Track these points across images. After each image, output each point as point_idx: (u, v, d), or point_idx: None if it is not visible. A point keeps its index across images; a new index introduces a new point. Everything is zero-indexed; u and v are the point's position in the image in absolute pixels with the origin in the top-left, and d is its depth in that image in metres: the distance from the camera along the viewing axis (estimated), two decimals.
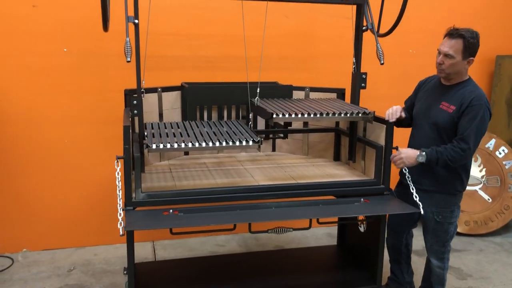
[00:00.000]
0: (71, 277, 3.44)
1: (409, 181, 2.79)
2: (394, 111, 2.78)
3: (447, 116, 2.68)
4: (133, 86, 2.88)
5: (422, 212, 2.71)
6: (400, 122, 2.87)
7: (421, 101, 2.89)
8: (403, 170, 2.84)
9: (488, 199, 4.33)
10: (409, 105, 3.00)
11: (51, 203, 3.79)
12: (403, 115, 2.83)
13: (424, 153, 2.65)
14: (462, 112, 2.63)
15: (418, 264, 3.56)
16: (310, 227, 2.73)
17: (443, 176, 2.76)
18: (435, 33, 4.37)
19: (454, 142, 2.63)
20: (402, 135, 3.07)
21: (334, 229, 4.26)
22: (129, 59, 2.42)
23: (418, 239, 4.07)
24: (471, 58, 2.66)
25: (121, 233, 2.27)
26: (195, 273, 3.19)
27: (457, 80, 2.74)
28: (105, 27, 2.62)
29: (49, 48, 3.57)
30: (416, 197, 2.74)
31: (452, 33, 2.63)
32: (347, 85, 3.22)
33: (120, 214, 2.37)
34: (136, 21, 2.49)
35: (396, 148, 2.84)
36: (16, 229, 3.76)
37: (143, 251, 3.86)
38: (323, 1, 2.87)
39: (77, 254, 3.80)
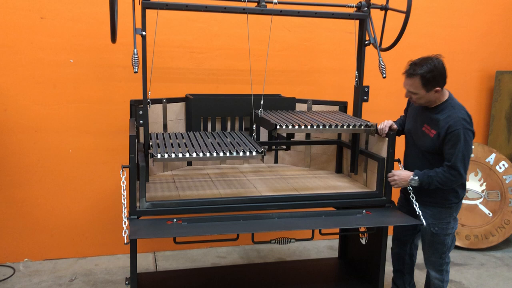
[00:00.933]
0: (73, 287, 3.44)
1: (410, 192, 2.82)
2: (385, 126, 2.84)
3: (429, 140, 2.73)
4: (138, 97, 2.94)
5: (424, 224, 2.73)
6: (397, 132, 2.93)
7: (410, 119, 2.94)
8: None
9: (489, 214, 4.35)
10: (404, 117, 3.07)
11: (53, 213, 3.81)
12: (395, 127, 2.87)
13: (416, 177, 2.71)
14: (443, 139, 2.65)
15: (419, 277, 3.57)
16: (312, 237, 2.75)
17: (437, 190, 2.78)
18: (436, 49, 4.45)
19: (445, 168, 2.65)
20: (402, 147, 3.10)
21: (335, 242, 4.27)
22: (136, 70, 2.46)
23: (419, 252, 4.09)
24: (437, 88, 2.64)
25: (125, 241, 2.29)
26: (197, 284, 3.19)
27: (434, 104, 2.74)
28: (113, 38, 2.67)
29: (55, 59, 3.62)
30: (416, 205, 2.79)
31: (409, 72, 2.66)
32: (349, 99, 3.27)
33: (124, 222, 2.39)
34: (144, 33, 2.54)
35: (398, 161, 2.88)
36: (18, 238, 3.77)
37: (145, 262, 3.87)
38: (326, 16, 2.92)
39: (78, 264, 3.81)
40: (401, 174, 2.77)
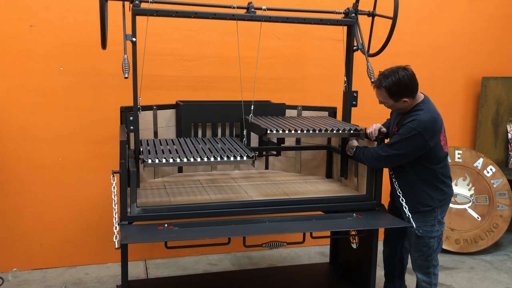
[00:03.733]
0: None
1: (400, 194, 2.85)
2: (374, 130, 2.88)
3: None
4: (128, 105, 2.94)
5: (414, 226, 2.76)
6: (386, 135, 2.98)
7: (391, 122, 3.02)
8: (395, 185, 2.91)
9: (478, 218, 4.39)
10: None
11: (42, 221, 3.77)
12: (384, 130, 2.92)
13: (354, 149, 2.88)
14: (398, 130, 2.76)
15: (410, 282, 3.58)
16: (303, 241, 2.76)
17: (422, 191, 2.81)
18: (423, 55, 4.53)
19: (379, 146, 2.78)
20: None
21: (326, 248, 4.27)
22: (126, 76, 2.48)
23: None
24: (404, 99, 2.70)
25: (116, 246, 2.28)
26: None
27: (409, 108, 2.79)
28: (104, 44, 2.68)
29: (45, 67, 3.62)
30: (406, 207, 2.81)
31: (376, 84, 2.75)
32: (338, 105, 3.31)
33: (115, 227, 2.38)
34: (134, 39, 2.56)
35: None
36: (6, 248, 3.73)
37: (136, 270, 3.84)
38: (315, 22, 2.96)
39: (68, 273, 3.77)
40: (349, 143, 2.97)
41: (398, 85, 2.66)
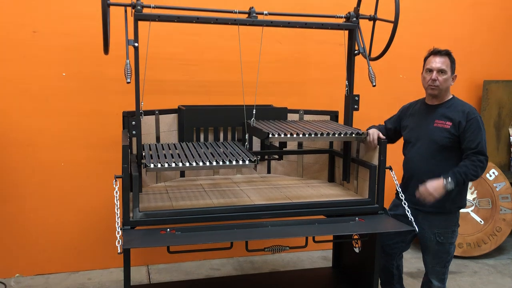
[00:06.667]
0: None
1: (402, 198, 2.84)
2: (373, 139, 2.82)
3: (445, 131, 2.78)
4: (130, 110, 2.95)
5: (417, 230, 2.75)
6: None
7: (411, 125, 2.98)
8: (397, 189, 2.90)
9: (480, 221, 4.38)
10: (390, 127, 3.11)
11: (44, 227, 3.78)
12: (382, 136, 2.88)
13: (449, 179, 2.66)
14: (464, 127, 2.73)
15: (412, 286, 3.58)
16: (306, 245, 2.75)
17: (445, 196, 2.75)
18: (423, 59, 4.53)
19: (471, 157, 2.70)
20: (394, 155, 3.14)
21: (329, 252, 4.26)
22: (129, 80, 2.48)
23: (411, 262, 4.11)
24: (455, 74, 2.87)
25: (119, 251, 2.28)
26: None
27: (444, 98, 2.86)
28: (106, 50, 2.69)
29: (48, 73, 3.63)
30: (408, 211, 2.80)
31: (439, 51, 2.83)
32: (340, 109, 3.31)
33: (118, 232, 2.38)
34: (136, 44, 2.57)
35: (390, 168, 2.90)
36: (9, 253, 3.73)
37: (138, 275, 3.84)
38: (316, 27, 2.97)
39: (71, 278, 3.77)
40: (433, 184, 2.68)
41: (454, 58, 2.85)
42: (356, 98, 3.08)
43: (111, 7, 2.71)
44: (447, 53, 2.82)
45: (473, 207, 4.41)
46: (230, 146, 2.94)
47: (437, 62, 2.80)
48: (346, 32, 3.08)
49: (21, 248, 3.75)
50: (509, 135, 4.76)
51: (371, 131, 2.86)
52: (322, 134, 2.76)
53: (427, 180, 2.72)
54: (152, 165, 2.47)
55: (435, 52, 2.84)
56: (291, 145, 3.47)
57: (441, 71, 2.79)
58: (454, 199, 2.81)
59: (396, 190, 2.99)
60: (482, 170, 2.71)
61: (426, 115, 2.90)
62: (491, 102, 4.71)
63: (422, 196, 2.72)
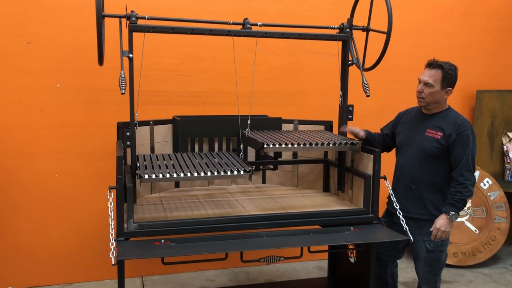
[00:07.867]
0: None
1: (397, 207, 2.85)
2: (353, 129, 3.02)
3: (435, 141, 2.79)
4: (125, 120, 2.95)
5: (411, 240, 2.75)
6: (370, 142, 3.05)
7: (405, 131, 3.00)
8: (391, 197, 2.91)
9: (475, 230, 4.39)
10: (387, 132, 3.13)
11: (38, 238, 3.75)
12: (362, 134, 3.04)
13: (451, 212, 2.73)
14: (453, 140, 2.74)
15: None
16: (301, 255, 2.75)
17: (431, 202, 2.82)
18: (417, 69, 4.56)
19: (459, 178, 2.71)
20: (388, 164, 3.15)
21: (324, 263, 4.25)
22: (123, 91, 2.49)
23: (407, 271, 4.10)
24: (449, 88, 2.81)
25: (113, 262, 2.27)
26: None
27: (437, 109, 2.87)
28: (101, 61, 2.70)
29: (42, 84, 3.63)
30: (403, 221, 2.80)
31: (432, 64, 2.81)
32: (334, 119, 3.32)
33: (112, 243, 2.37)
34: (131, 55, 2.58)
35: (384, 178, 2.90)
36: (2, 265, 3.69)
37: (133, 287, 3.81)
38: (310, 38, 2.99)
39: None
40: (441, 222, 2.76)
41: (453, 71, 2.77)
42: (350, 108, 3.09)
43: (106, 18, 2.72)
44: (440, 66, 2.76)
45: (467, 216, 4.42)
46: (224, 156, 2.94)
47: (425, 75, 2.81)
48: (340, 43, 3.10)
49: (15, 260, 3.72)
50: (503, 144, 4.79)
51: (348, 127, 3.03)
52: (316, 144, 2.77)
53: (414, 187, 2.85)
54: (146, 176, 2.47)
55: (428, 64, 2.84)
56: (286, 155, 3.47)
57: (426, 84, 2.79)
58: (437, 206, 2.82)
59: (389, 198, 3.00)
60: (473, 185, 2.75)
61: (420, 123, 2.92)
62: (484, 112, 4.75)
63: (437, 237, 2.79)
